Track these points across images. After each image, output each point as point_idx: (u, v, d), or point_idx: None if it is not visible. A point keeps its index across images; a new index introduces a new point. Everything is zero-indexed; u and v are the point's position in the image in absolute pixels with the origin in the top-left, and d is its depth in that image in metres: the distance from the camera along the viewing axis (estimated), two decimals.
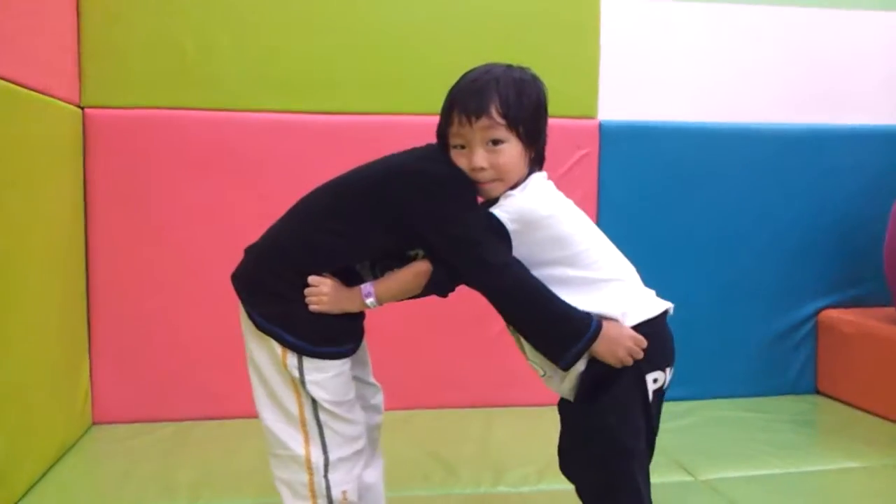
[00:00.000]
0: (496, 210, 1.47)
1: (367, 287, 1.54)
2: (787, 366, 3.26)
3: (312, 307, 1.51)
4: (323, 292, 1.51)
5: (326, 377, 1.52)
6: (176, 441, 2.58)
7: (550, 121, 3.07)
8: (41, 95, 2.29)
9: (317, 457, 1.53)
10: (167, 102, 2.73)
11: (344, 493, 1.56)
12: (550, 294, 1.45)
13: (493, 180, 1.49)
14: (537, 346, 1.49)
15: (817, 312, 3.27)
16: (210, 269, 2.55)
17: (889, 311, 3.17)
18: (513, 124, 1.47)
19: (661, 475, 2.30)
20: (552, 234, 1.48)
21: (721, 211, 3.14)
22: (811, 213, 3.21)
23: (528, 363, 1.60)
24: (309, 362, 1.51)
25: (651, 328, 1.48)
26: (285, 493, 1.58)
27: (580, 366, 1.49)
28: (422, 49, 2.87)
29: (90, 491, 2.20)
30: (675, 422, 2.80)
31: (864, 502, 2.20)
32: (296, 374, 1.51)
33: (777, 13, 3.20)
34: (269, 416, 1.56)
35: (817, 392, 3.27)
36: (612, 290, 1.50)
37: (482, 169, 1.47)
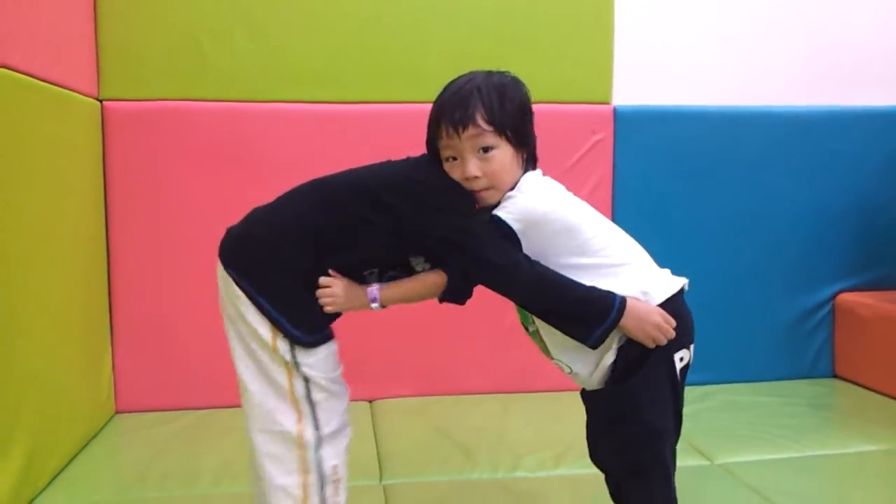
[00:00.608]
0: (499, 212, 1.49)
1: (373, 291, 1.56)
2: (805, 349, 3.25)
3: (327, 308, 1.55)
4: (336, 293, 1.54)
5: (318, 359, 1.55)
6: (197, 429, 2.61)
7: (565, 106, 3.08)
8: (61, 89, 2.32)
9: (309, 433, 1.53)
10: (184, 95, 2.76)
11: (335, 467, 1.56)
12: (567, 281, 1.46)
13: (488, 188, 1.50)
14: (565, 332, 1.50)
15: (834, 296, 3.25)
16: None
17: None
18: (500, 129, 1.48)
19: (678, 459, 2.30)
20: (558, 227, 1.49)
21: (736, 194, 3.12)
22: (827, 197, 3.20)
23: (553, 362, 1.61)
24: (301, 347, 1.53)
25: (672, 307, 1.50)
26: (271, 468, 1.54)
27: (609, 358, 1.51)
28: (436, 35, 2.88)
29: (115, 478, 2.24)
30: (692, 406, 2.77)
31: (881, 485, 2.20)
32: (288, 357, 1.52)
33: None
34: (258, 390, 1.55)
35: (835, 376, 3.26)
36: (628, 274, 1.51)
37: (476, 178, 1.48)
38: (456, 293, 1.55)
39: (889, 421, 2.68)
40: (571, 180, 3.01)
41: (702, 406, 2.84)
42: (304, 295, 1.55)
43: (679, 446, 2.44)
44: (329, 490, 1.55)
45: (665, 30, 3.09)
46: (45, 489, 2.11)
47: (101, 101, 2.70)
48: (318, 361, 1.54)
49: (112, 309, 2.76)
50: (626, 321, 1.45)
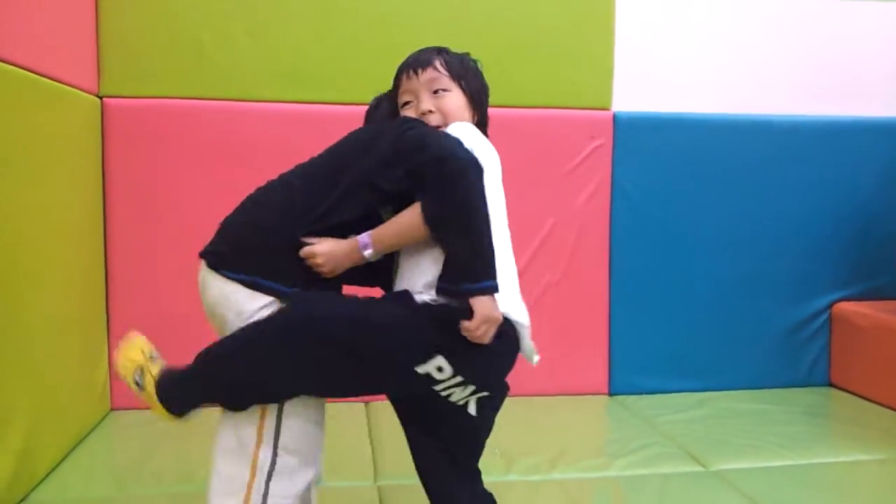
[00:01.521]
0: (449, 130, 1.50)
1: (363, 238, 1.45)
2: (801, 358, 3.25)
3: (324, 272, 1.47)
4: (318, 263, 1.46)
5: None
6: (192, 426, 2.59)
7: (565, 112, 3.08)
8: (61, 85, 2.32)
9: (265, 453, 1.45)
10: (184, 92, 2.77)
11: None
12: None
13: (442, 126, 1.54)
14: (461, 255, 1.39)
15: (831, 305, 3.26)
16: None
17: None
18: (455, 77, 1.57)
19: (672, 465, 2.33)
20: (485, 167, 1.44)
21: (735, 203, 3.13)
22: (826, 206, 3.20)
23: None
24: None
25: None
26: (215, 484, 1.48)
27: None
28: (437, 39, 2.85)
29: (109, 473, 2.24)
30: (688, 412, 2.81)
31: (876, 494, 2.21)
32: None
33: (792, 4, 3.17)
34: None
35: (830, 384, 3.27)
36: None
37: (430, 112, 1.54)
38: (435, 211, 1.40)
39: (884, 430, 2.68)
40: (569, 185, 3.05)
41: (698, 413, 2.84)
42: (300, 267, 1.47)
43: (673, 452, 2.44)
44: None
45: (666, 37, 3.10)
46: (40, 484, 2.11)
47: (101, 98, 2.70)
48: None
49: (109, 306, 2.76)
50: (489, 299, 1.37)
